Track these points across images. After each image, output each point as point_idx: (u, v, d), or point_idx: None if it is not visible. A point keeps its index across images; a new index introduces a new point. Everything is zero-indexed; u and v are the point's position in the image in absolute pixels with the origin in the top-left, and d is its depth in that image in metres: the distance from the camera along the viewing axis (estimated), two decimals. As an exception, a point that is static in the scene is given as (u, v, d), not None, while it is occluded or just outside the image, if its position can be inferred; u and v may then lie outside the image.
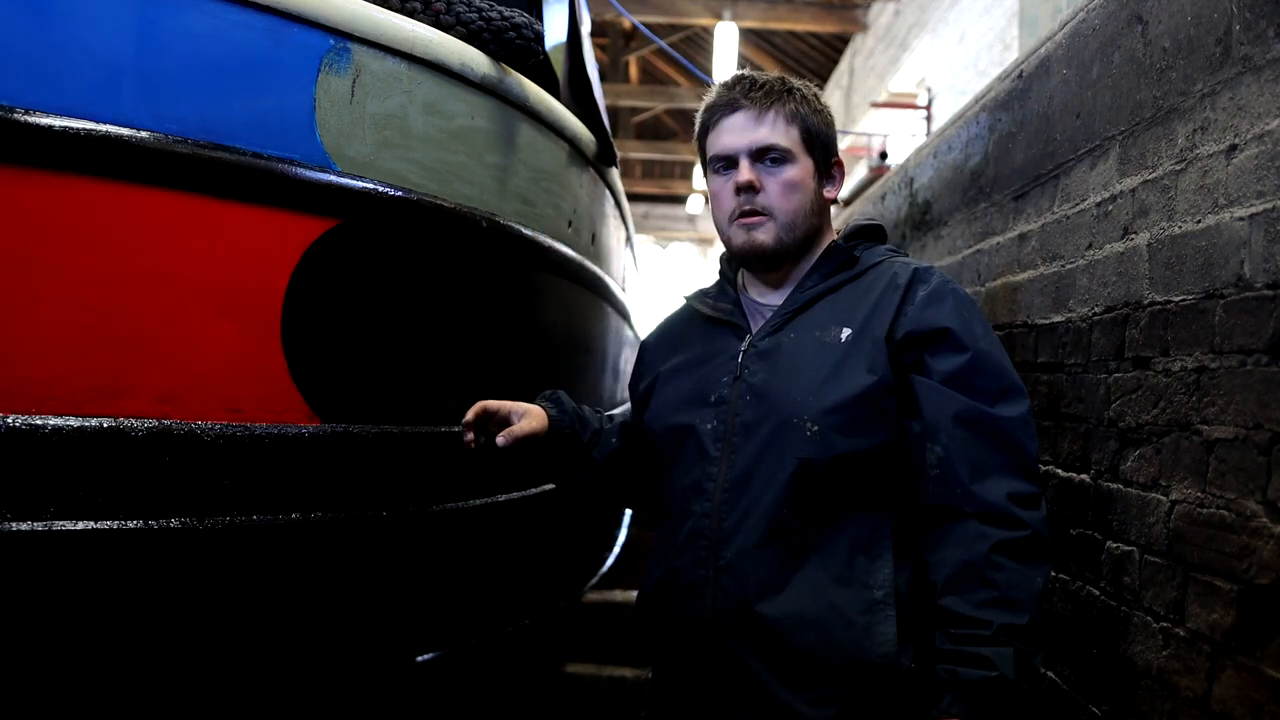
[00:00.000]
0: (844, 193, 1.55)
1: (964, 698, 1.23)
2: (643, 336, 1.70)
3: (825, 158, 1.48)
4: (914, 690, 1.32)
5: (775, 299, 1.49)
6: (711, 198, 1.51)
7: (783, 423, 1.36)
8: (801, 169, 1.45)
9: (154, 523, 1.44)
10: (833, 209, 1.55)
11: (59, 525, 1.37)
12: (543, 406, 1.61)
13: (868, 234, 1.53)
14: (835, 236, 1.53)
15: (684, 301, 1.63)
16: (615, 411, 1.76)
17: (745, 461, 1.37)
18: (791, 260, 1.48)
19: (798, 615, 1.32)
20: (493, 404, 1.58)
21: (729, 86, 1.48)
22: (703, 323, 1.54)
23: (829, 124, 1.49)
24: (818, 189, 1.47)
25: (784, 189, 1.44)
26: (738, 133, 1.45)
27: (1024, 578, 1.27)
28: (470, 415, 1.57)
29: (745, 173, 1.44)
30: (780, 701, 1.32)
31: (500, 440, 1.53)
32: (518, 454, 1.57)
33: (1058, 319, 1.72)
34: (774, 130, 1.44)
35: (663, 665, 1.47)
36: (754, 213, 1.44)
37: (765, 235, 1.44)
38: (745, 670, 1.34)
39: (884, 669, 1.30)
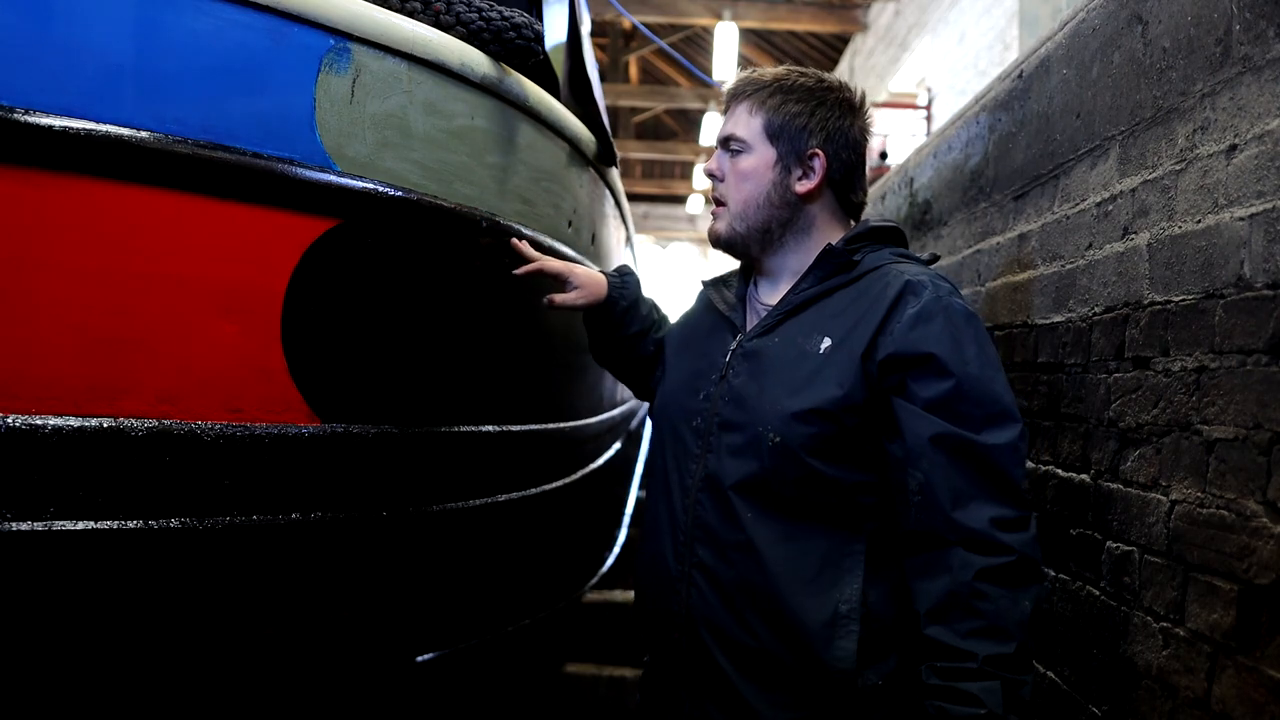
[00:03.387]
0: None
1: None
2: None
3: (793, 149, 1.44)
4: (882, 709, 1.31)
5: (774, 298, 1.49)
6: None
7: (752, 428, 1.36)
8: (756, 158, 1.45)
9: (154, 523, 1.44)
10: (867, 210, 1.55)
11: (59, 525, 1.37)
12: (609, 282, 1.70)
13: (878, 235, 1.47)
14: (840, 236, 1.48)
15: (701, 287, 1.65)
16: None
17: (717, 462, 1.39)
18: (766, 253, 1.48)
19: (764, 618, 1.32)
20: (553, 266, 1.69)
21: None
22: (711, 313, 1.56)
23: (805, 114, 1.44)
24: (778, 180, 1.44)
25: (736, 178, 1.47)
26: (719, 127, 1.52)
27: (1011, 604, 1.23)
28: (522, 271, 1.69)
29: (710, 162, 1.51)
30: (746, 701, 1.33)
31: (545, 301, 1.66)
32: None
33: (1058, 319, 1.72)
34: (736, 122, 1.48)
35: (650, 654, 1.51)
36: (718, 202, 1.50)
37: (720, 224, 1.50)
38: (715, 666, 1.35)
39: (840, 684, 1.29)
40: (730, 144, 1.48)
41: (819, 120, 1.44)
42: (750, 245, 1.48)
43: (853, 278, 1.41)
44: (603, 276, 1.70)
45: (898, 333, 1.31)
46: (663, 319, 1.75)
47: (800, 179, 1.45)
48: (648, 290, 1.83)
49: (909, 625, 1.32)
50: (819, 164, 1.44)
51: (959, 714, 1.20)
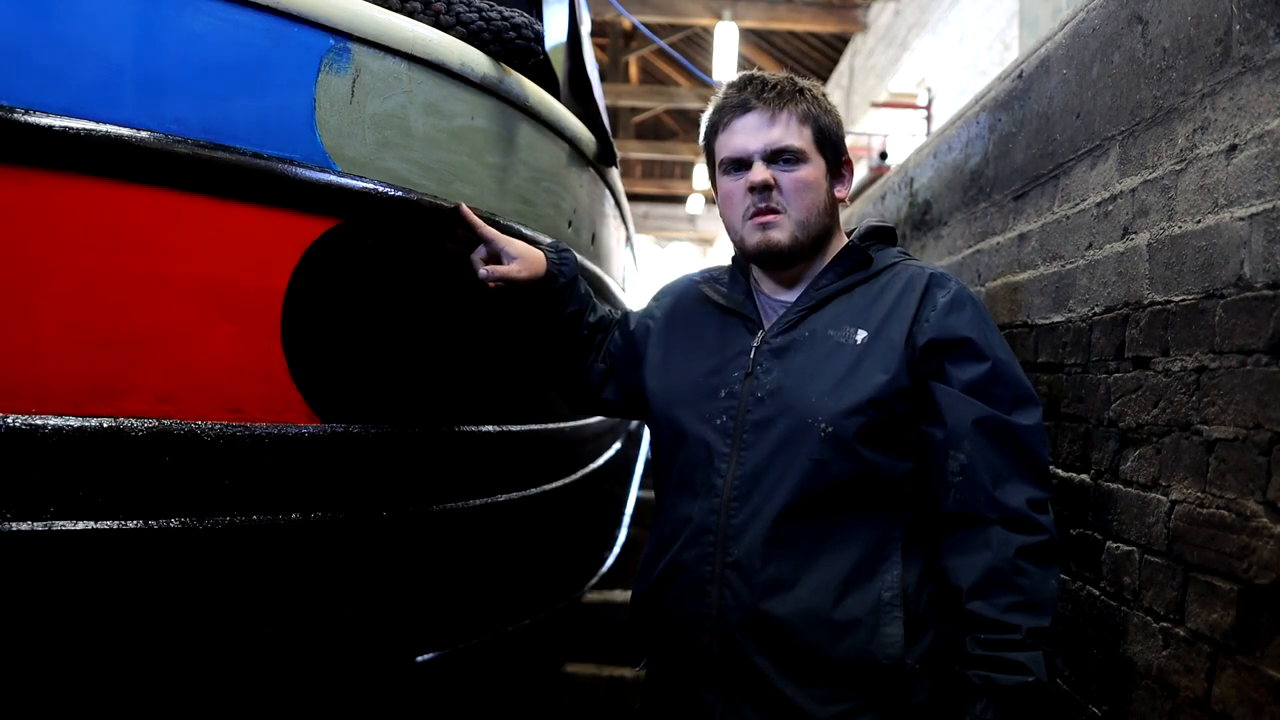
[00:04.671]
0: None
1: (1000, 703, 1.27)
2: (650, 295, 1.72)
3: (836, 158, 1.49)
4: (921, 689, 1.34)
5: (788, 295, 1.49)
6: (723, 199, 1.50)
7: (797, 422, 1.36)
8: (814, 169, 1.45)
9: (154, 523, 1.44)
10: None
11: (59, 525, 1.37)
12: (547, 257, 1.61)
13: (879, 235, 1.53)
14: (846, 236, 1.53)
15: (692, 281, 1.62)
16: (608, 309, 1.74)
17: (757, 459, 1.38)
18: (804, 259, 1.48)
19: (807, 613, 1.33)
20: (488, 232, 1.61)
21: (739, 87, 1.48)
22: (714, 310, 1.54)
23: (838, 124, 1.50)
24: (829, 189, 1.48)
25: (798, 187, 1.44)
26: (751, 134, 1.44)
27: (1044, 581, 1.31)
28: (463, 232, 1.62)
29: (760, 173, 1.43)
30: (785, 698, 1.33)
31: (482, 273, 1.58)
32: (505, 294, 1.61)
33: (1058, 319, 1.72)
34: (787, 131, 1.44)
35: (661, 660, 1.48)
36: (770, 210, 1.44)
37: (780, 233, 1.44)
38: (751, 666, 1.34)
39: (891, 670, 1.31)
40: (784, 155, 1.44)
41: (842, 129, 1.51)
42: (803, 252, 1.47)
43: (871, 274, 1.46)
44: (540, 251, 1.61)
45: (934, 319, 1.38)
46: (594, 301, 1.69)
47: (838, 186, 1.50)
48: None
49: (939, 604, 1.36)
50: (848, 171, 1.52)
51: (1007, 682, 1.26)
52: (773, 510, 1.35)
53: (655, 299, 1.68)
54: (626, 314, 1.71)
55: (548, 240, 1.67)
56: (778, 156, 1.44)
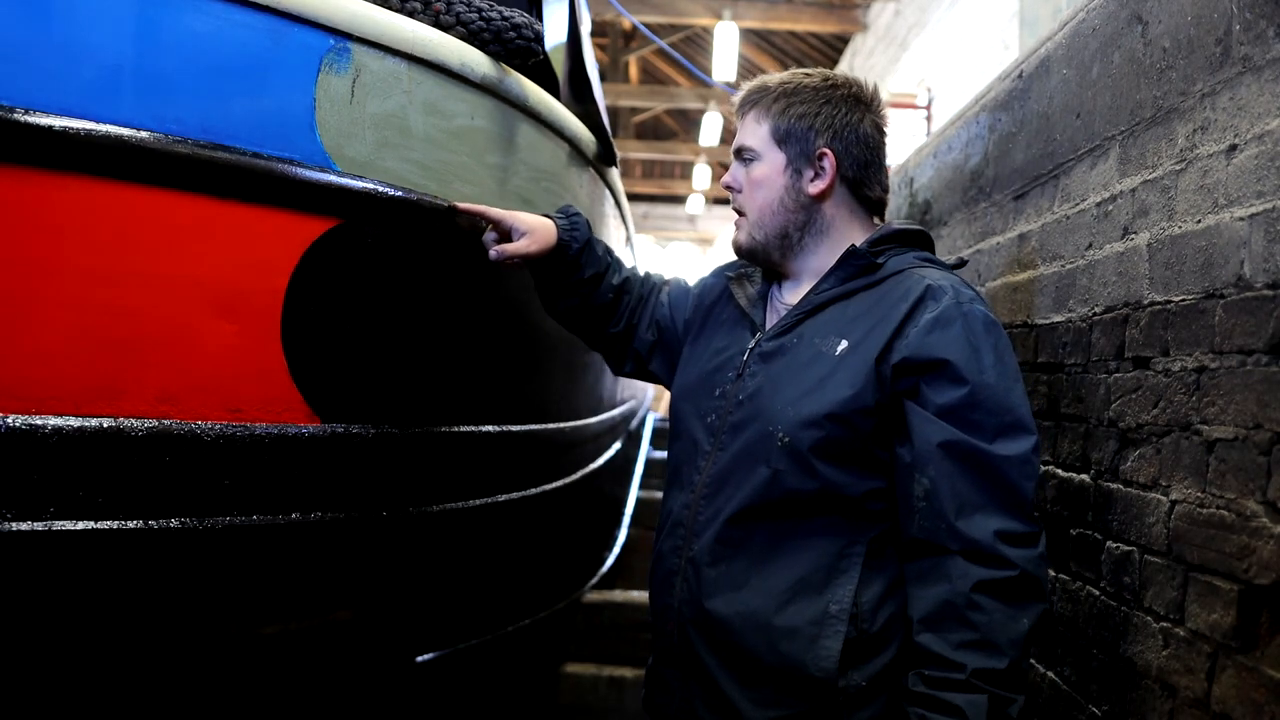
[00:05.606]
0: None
1: None
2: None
3: (801, 150, 1.43)
4: (864, 709, 1.29)
5: (795, 298, 1.47)
6: None
7: (762, 429, 1.36)
8: (766, 165, 1.45)
9: (154, 523, 1.44)
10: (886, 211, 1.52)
11: (59, 525, 1.37)
12: (557, 225, 1.61)
13: (904, 238, 1.45)
14: (862, 234, 1.46)
15: (725, 277, 1.60)
16: (629, 270, 1.73)
17: (726, 461, 1.39)
18: (787, 257, 1.47)
19: (749, 616, 1.33)
20: (494, 213, 1.62)
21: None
22: (733, 308, 1.55)
23: (811, 114, 1.43)
24: (791, 184, 1.44)
25: (751, 187, 1.47)
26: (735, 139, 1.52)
27: (1007, 619, 1.21)
28: (465, 223, 1.64)
29: (726, 175, 1.50)
30: (727, 696, 1.34)
31: (493, 255, 1.59)
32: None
33: (1058, 319, 1.72)
34: (745, 132, 1.48)
35: (652, 647, 1.53)
36: (739, 212, 1.49)
37: (741, 234, 1.49)
38: (699, 661, 1.37)
39: (821, 683, 1.27)
40: (743, 154, 1.48)
41: (825, 119, 1.43)
42: (771, 251, 1.47)
43: (875, 280, 1.39)
44: (549, 220, 1.62)
45: (913, 337, 1.30)
46: (617, 261, 1.68)
47: (812, 180, 1.44)
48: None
49: (902, 627, 1.31)
50: (829, 163, 1.43)
51: None
52: (730, 512, 1.36)
53: (708, 280, 1.66)
54: (682, 286, 1.70)
55: (558, 208, 1.67)
56: (741, 157, 1.49)
